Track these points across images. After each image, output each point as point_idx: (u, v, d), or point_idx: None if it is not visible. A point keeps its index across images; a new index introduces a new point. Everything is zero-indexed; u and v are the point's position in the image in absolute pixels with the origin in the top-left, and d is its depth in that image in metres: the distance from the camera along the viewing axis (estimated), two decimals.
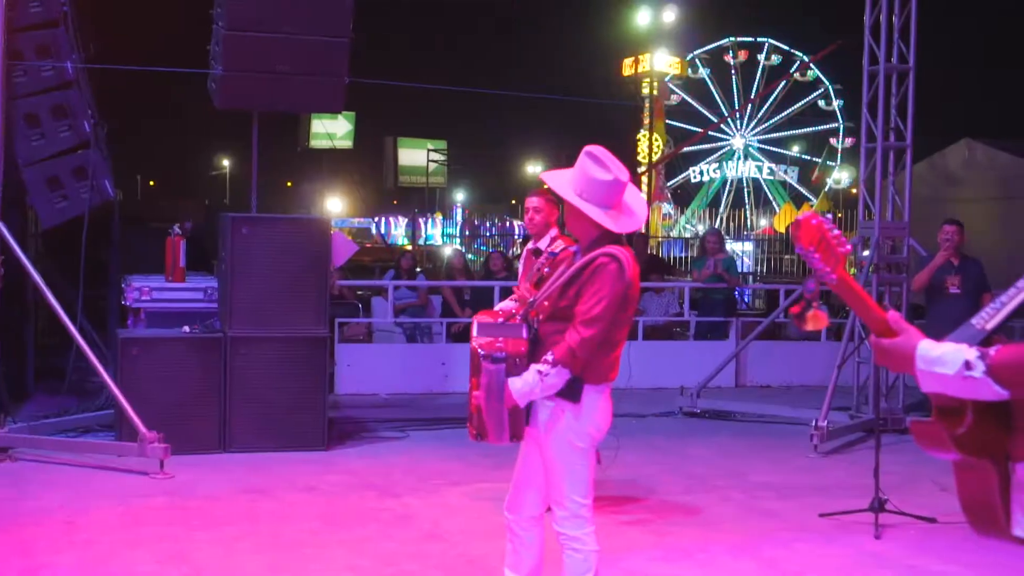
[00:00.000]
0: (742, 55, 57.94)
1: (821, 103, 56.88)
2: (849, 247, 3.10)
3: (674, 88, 56.08)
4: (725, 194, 57.71)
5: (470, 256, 33.17)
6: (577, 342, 4.68)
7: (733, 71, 58.15)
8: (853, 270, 11.85)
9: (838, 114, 56.08)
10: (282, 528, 7.30)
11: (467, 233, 47.85)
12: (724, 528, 7.56)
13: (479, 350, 4.81)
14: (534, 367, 4.74)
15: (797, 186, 57.40)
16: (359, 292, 16.54)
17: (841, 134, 55.43)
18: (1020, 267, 3.75)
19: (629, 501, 8.22)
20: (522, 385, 4.74)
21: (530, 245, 7.39)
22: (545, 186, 5.25)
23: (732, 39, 57.73)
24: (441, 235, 53.47)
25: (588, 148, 4.88)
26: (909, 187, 11.76)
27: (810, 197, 56.22)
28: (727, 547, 7.11)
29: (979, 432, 3.00)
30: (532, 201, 7.21)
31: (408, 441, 10.41)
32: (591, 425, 4.88)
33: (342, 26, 9.93)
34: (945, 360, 2.96)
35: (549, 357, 4.72)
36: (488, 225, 48.94)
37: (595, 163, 4.83)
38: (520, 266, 7.38)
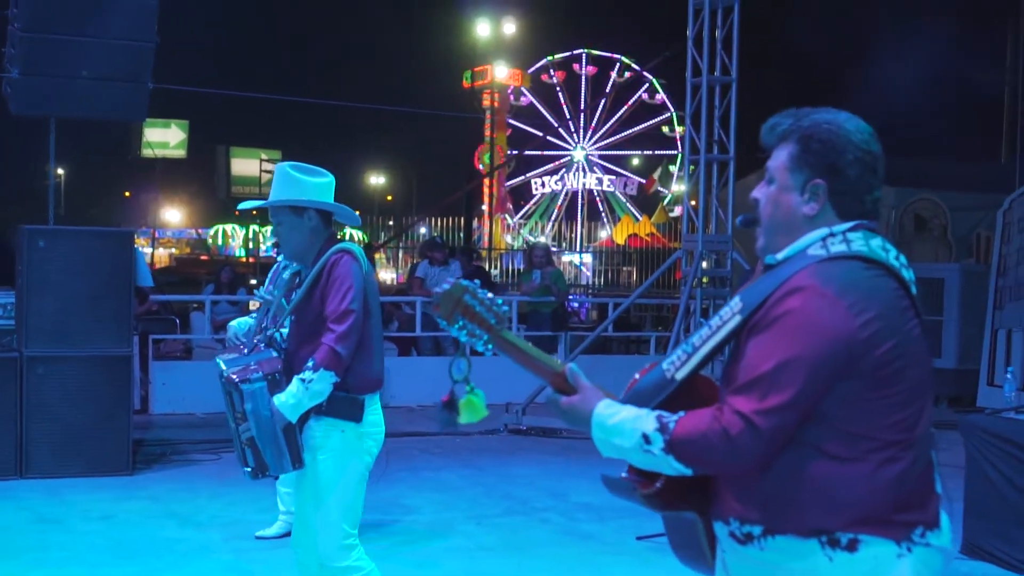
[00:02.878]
0: (558, 75, 58.20)
1: (645, 97, 57.46)
2: (505, 308, 2.85)
3: (510, 123, 56.24)
4: (580, 206, 57.80)
5: None
6: (334, 339, 4.49)
7: (557, 88, 58.39)
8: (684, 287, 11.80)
9: (667, 104, 56.57)
10: (69, 562, 6.84)
11: None
12: (539, 553, 7.32)
13: (233, 378, 4.50)
14: (296, 378, 4.51)
15: (661, 189, 57.65)
16: (195, 306, 16.06)
17: (674, 121, 55.68)
18: None
19: (445, 526, 7.95)
20: (287, 398, 4.50)
21: (279, 257, 7.08)
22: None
23: (550, 58, 57.97)
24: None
25: (281, 164, 4.80)
26: (732, 200, 11.76)
27: (663, 190, 56.62)
28: (540, 573, 6.88)
29: (675, 489, 2.74)
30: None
31: (220, 464, 9.93)
32: (370, 439, 4.68)
33: (147, 30, 9.48)
34: (623, 430, 2.71)
35: (310, 363, 4.50)
36: None
37: (302, 171, 4.75)
38: (269, 279, 7.02)
